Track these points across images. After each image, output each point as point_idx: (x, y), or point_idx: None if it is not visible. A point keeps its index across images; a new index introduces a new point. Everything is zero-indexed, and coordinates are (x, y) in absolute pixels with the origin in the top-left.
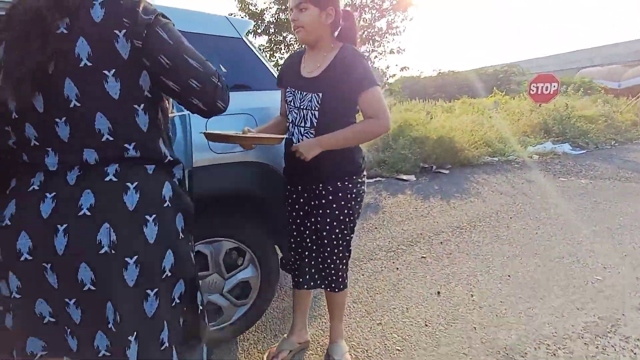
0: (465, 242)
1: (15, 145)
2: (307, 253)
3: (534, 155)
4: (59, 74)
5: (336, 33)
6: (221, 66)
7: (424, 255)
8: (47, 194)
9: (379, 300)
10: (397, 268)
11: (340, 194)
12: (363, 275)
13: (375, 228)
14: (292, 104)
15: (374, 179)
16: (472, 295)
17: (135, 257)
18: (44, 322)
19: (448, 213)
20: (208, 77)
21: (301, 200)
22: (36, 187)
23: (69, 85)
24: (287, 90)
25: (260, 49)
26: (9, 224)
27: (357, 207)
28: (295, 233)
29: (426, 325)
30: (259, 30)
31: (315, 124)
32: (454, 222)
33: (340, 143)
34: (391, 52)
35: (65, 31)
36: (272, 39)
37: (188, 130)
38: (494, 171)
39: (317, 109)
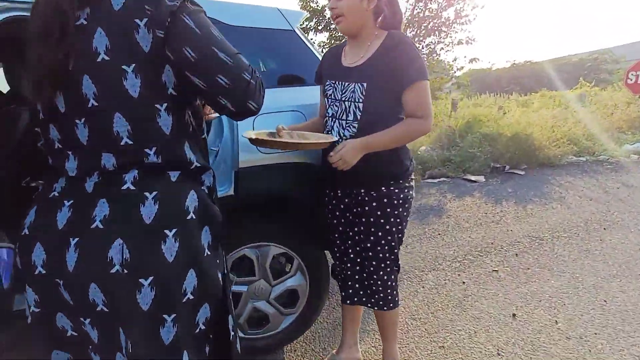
0: (547, 256)
1: (44, 147)
2: (349, 265)
3: (632, 155)
4: (78, 70)
5: (379, 20)
6: (261, 63)
7: (496, 269)
8: (66, 201)
9: (441, 319)
10: (464, 282)
11: (385, 200)
12: (423, 287)
13: (439, 234)
14: (332, 96)
15: (438, 179)
16: (556, 322)
17: (151, 278)
18: (67, 334)
19: (525, 220)
20: (239, 73)
21: (342, 206)
22: (56, 194)
23: (87, 82)
24: (327, 83)
25: (320, 46)
26: (27, 233)
27: (404, 215)
28: (338, 242)
29: (499, 355)
30: (319, 27)
31: (358, 117)
32: (531, 231)
33: (385, 145)
34: (459, 43)
35: (85, 22)
36: (333, 35)
37: (235, 129)
38: (581, 173)
39: (361, 100)
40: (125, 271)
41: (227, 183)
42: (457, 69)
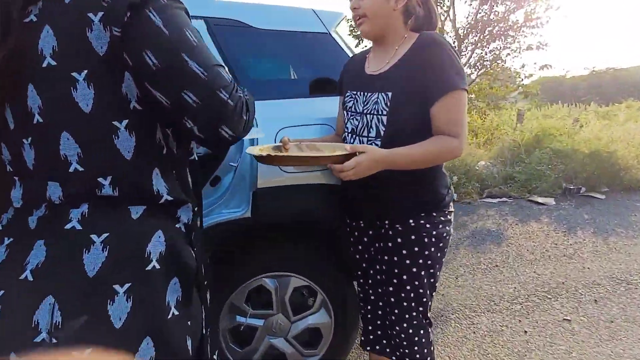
0: (637, 306)
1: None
2: (369, 308)
3: None
4: (24, 77)
5: (410, 21)
6: (291, 70)
7: (568, 318)
8: (5, 239)
9: None
10: (526, 331)
11: (412, 237)
12: (475, 333)
13: (496, 266)
14: (352, 109)
15: (498, 199)
16: None
17: (88, 351)
18: None
19: (606, 257)
20: (214, 90)
21: (365, 239)
22: (0, 228)
23: (31, 93)
24: (347, 94)
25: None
26: None
27: (437, 256)
28: (361, 280)
29: None
30: None
31: (382, 132)
32: (615, 271)
33: (410, 162)
34: (529, 48)
35: (34, 19)
36: None
37: (255, 142)
38: None
39: (384, 112)
40: (54, 340)
41: (244, 204)
42: (525, 77)
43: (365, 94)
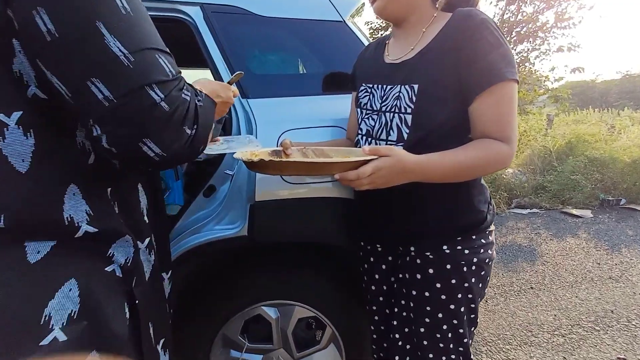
0: None
1: None
2: (392, 349)
3: None
4: None
5: (440, 1)
6: (300, 64)
7: (622, 356)
8: None
9: None
10: None
11: (448, 267)
12: None
13: (531, 288)
14: (368, 106)
15: (528, 210)
16: None
17: None
18: None
19: None
20: (139, 83)
21: (383, 266)
22: None
23: None
24: (361, 88)
25: None
26: None
27: (479, 287)
28: (376, 318)
29: None
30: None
31: (405, 135)
32: None
33: (445, 172)
34: (559, 49)
35: None
36: None
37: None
38: None
39: (409, 110)
40: None
41: (240, 219)
42: (555, 80)
43: (384, 87)
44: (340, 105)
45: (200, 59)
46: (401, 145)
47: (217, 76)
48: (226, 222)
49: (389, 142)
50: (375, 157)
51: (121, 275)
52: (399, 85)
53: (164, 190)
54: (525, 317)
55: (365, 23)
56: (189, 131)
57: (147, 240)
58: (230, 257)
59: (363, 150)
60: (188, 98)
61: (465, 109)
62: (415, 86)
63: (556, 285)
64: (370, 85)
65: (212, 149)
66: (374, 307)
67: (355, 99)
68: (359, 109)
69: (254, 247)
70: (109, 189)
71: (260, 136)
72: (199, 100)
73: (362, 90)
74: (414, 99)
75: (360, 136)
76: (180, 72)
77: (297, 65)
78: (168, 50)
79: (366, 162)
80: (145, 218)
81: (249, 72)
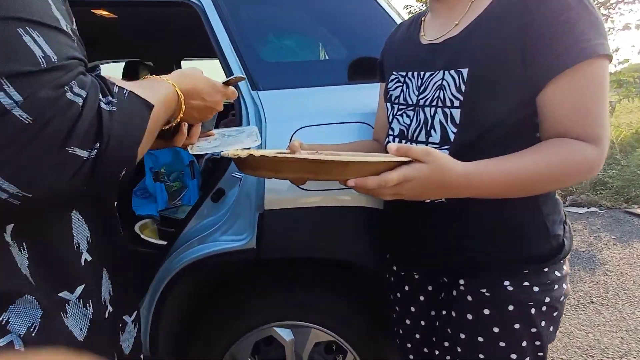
0: None
1: None
2: None
3: None
4: None
5: None
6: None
7: None
8: None
9: None
10: None
11: (512, 307)
12: None
13: (592, 302)
14: (400, 99)
15: (586, 209)
16: None
17: None
18: None
19: None
20: None
21: (421, 298)
22: None
23: None
24: (392, 77)
25: None
26: None
27: (551, 329)
28: (411, 357)
29: None
30: None
31: (452, 136)
32: None
33: (507, 185)
34: (625, 27)
35: None
36: None
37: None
38: None
39: (456, 103)
40: None
41: (248, 230)
42: (619, 62)
43: (422, 74)
44: (369, 96)
45: (209, 48)
46: (446, 150)
47: (226, 67)
48: (233, 233)
49: (430, 144)
50: (407, 159)
51: (23, 349)
52: (442, 71)
53: (179, 191)
54: (585, 339)
55: (404, 7)
56: (83, 153)
57: (80, 288)
58: (239, 271)
59: (389, 148)
60: (80, 100)
61: (534, 98)
62: (464, 71)
63: (622, 300)
64: (403, 74)
65: (200, 147)
66: (408, 345)
67: (385, 92)
68: (389, 104)
69: (265, 261)
70: (10, 227)
71: (270, 135)
72: (108, 103)
73: (392, 81)
74: (462, 87)
75: (391, 138)
76: (84, 60)
77: (317, 51)
78: (61, 25)
79: (395, 165)
80: (84, 257)
81: (261, 60)
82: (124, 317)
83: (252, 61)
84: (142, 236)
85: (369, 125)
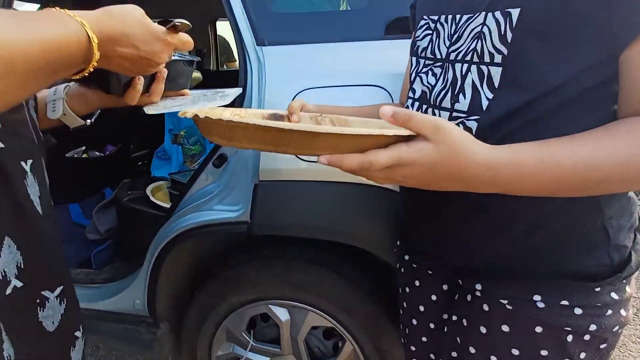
0: None
1: None
2: None
3: None
4: None
5: None
6: None
7: None
8: None
9: None
10: None
11: (539, 329)
12: None
13: None
14: (427, 52)
15: None
16: None
17: None
18: None
19: None
20: None
21: (433, 297)
22: None
23: None
24: (422, 22)
25: None
26: None
27: None
28: None
29: None
30: None
31: (484, 103)
32: None
33: (547, 183)
34: None
35: None
36: None
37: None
38: None
39: (497, 58)
40: None
41: (243, 201)
42: None
43: (457, 18)
44: (394, 55)
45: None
46: (474, 121)
47: (231, 16)
48: (228, 202)
49: (455, 112)
50: (407, 133)
51: None
52: (484, 13)
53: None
54: None
55: None
56: None
57: None
58: (238, 242)
59: (382, 112)
60: None
61: (613, 58)
62: (514, 12)
63: None
64: (435, 18)
65: (158, 106)
66: (413, 348)
67: (412, 43)
68: (414, 59)
69: (258, 237)
70: None
71: (269, 97)
72: None
73: (421, 28)
74: (508, 36)
75: (410, 101)
76: None
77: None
78: None
79: (389, 140)
80: None
81: (268, 10)
82: (42, 293)
83: (258, 10)
84: (150, 197)
85: (385, 90)
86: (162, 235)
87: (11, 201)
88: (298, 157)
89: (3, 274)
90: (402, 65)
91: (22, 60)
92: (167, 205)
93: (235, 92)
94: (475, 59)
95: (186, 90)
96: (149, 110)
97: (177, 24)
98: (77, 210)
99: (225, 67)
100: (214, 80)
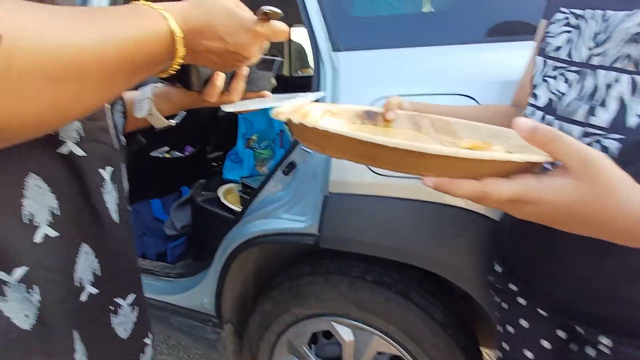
0: None
1: None
2: None
3: None
4: None
5: None
6: None
7: None
8: None
9: None
10: None
11: None
12: None
13: None
14: (561, 52)
15: None
16: None
17: None
18: None
19: None
20: None
21: (543, 343)
22: None
23: None
24: (558, 15)
25: None
26: None
27: None
28: None
29: None
30: None
31: (632, 120)
32: None
33: None
34: None
35: None
36: None
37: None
38: None
39: None
40: None
41: (310, 212)
42: None
43: (606, 15)
44: (486, 61)
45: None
46: (615, 140)
47: (306, 19)
48: (296, 212)
49: (590, 127)
50: (543, 159)
51: None
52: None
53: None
54: None
55: None
56: None
57: (19, 270)
58: (303, 253)
59: (516, 125)
60: None
61: None
62: None
63: None
64: (579, 13)
65: (237, 105)
66: None
67: (540, 39)
68: (541, 58)
69: (323, 252)
70: None
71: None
72: None
73: (557, 22)
74: None
75: (531, 109)
76: None
77: (419, 1)
78: None
79: (517, 168)
80: (42, 232)
81: (346, 14)
82: (115, 300)
83: (335, 15)
84: (222, 200)
85: (473, 99)
86: (231, 238)
87: (88, 209)
88: (370, 168)
89: (79, 280)
90: (493, 72)
91: (96, 62)
92: (238, 208)
93: (317, 96)
94: (629, 67)
95: (267, 92)
96: (227, 107)
97: (267, 11)
98: (158, 205)
99: (299, 72)
100: (287, 86)
